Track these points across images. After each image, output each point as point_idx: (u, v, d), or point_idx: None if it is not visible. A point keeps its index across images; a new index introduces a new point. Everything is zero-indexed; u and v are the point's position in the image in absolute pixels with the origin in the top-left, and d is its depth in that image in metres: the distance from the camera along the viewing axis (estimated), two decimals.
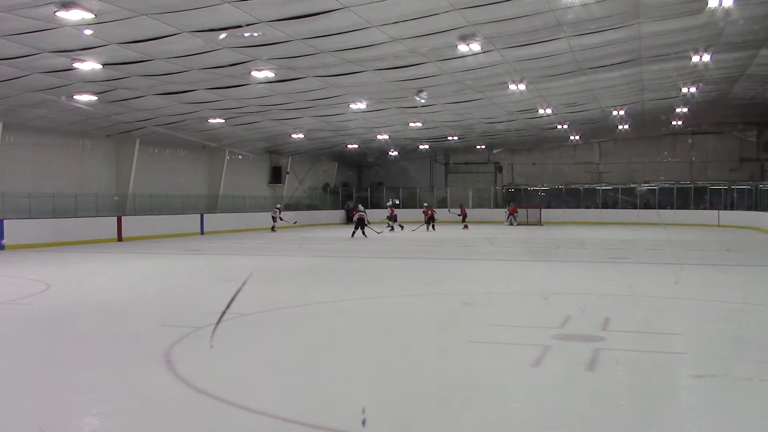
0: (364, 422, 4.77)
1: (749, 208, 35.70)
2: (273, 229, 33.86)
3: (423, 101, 25.49)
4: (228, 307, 6.66)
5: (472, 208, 45.41)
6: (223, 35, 15.81)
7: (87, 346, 7.68)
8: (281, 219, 34.03)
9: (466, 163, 48.58)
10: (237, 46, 16.98)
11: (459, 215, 36.62)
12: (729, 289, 12.48)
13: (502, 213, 42.03)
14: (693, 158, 43.06)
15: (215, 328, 7.17)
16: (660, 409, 5.22)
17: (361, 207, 30.94)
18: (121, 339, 8.07)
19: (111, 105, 23.37)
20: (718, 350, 7.19)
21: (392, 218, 35.48)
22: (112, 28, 14.84)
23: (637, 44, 19.47)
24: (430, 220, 36.31)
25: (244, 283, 7.70)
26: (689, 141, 42.75)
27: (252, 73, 19.73)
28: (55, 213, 25.06)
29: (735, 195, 38.86)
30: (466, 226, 35.36)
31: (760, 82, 26.97)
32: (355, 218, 29.51)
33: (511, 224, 37.78)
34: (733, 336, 7.86)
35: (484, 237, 28.65)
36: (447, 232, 32.94)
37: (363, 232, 28.50)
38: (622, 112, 32.11)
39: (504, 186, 47.41)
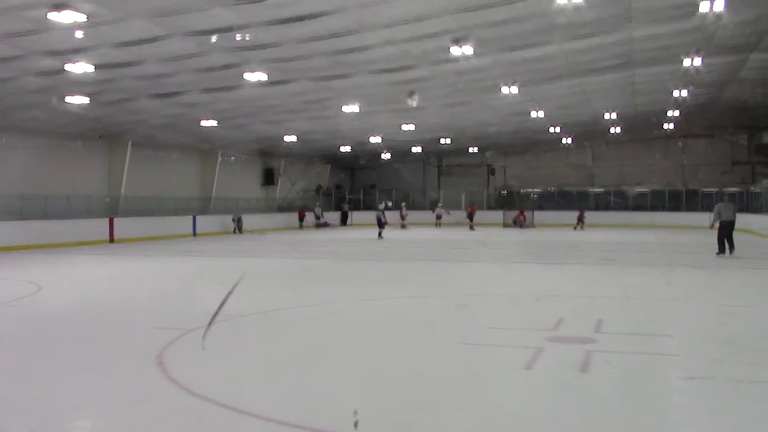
0: (356, 424, 4.76)
1: (740, 211, 35.72)
2: (238, 230, 33.32)
3: (415, 104, 25.53)
4: (219, 309, 6.64)
5: (465, 210, 45.47)
6: (215, 38, 15.80)
7: (79, 349, 7.64)
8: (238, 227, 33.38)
9: (459, 166, 48.62)
10: (230, 48, 16.97)
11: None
12: (721, 291, 12.53)
13: (492, 215, 42.03)
14: (684, 161, 43.22)
15: (206, 330, 7.15)
16: (652, 411, 5.25)
17: (380, 206, 31.16)
18: (113, 341, 8.04)
19: (103, 107, 23.33)
20: (710, 352, 7.22)
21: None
22: (104, 29, 14.83)
23: (629, 48, 19.57)
24: (470, 217, 37.44)
25: (235, 285, 7.67)
26: (681, 144, 42.94)
27: (245, 75, 19.72)
28: (47, 215, 24.95)
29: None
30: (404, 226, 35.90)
31: (750, 85, 27.13)
32: (376, 218, 29.65)
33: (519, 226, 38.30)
34: (725, 338, 7.89)
35: (477, 239, 28.68)
36: (439, 233, 32.97)
37: (380, 234, 28.58)
38: (614, 115, 32.24)
39: (497, 188, 47.48)
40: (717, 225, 18.63)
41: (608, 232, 33.40)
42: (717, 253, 18.55)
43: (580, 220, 36.97)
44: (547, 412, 5.25)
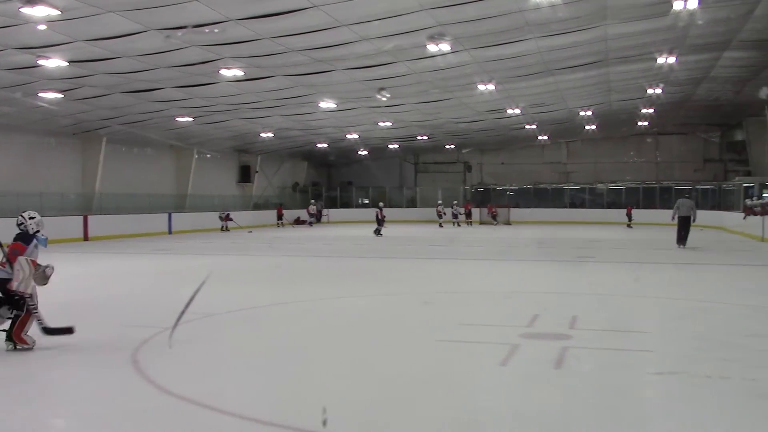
0: (324, 422, 4.76)
1: (713, 208, 36.35)
2: (226, 228, 33.46)
3: (385, 99, 25.45)
4: (186, 308, 6.62)
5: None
6: (182, 32, 15.62)
7: (52, 348, 7.56)
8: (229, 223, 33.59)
9: (436, 163, 48.79)
10: (205, 44, 16.84)
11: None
12: (693, 287, 12.73)
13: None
14: (658, 158, 43.76)
15: (173, 329, 7.06)
16: (624, 406, 5.32)
17: (380, 204, 31.22)
18: (87, 340, 7.96)
19: (76, 103, 23.04)
20: (681, 348, 7.32)
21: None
22: (78, 24, 14.64)
23: (603, 46, 19.72)
24: (495, 217, 38.79)
25: (202, 284, 7.62)
26: (654, 141, 43.44)
27: (220, 72, 19.59)
28: (20, 212, 24.54)
29: (699, 195, 39.51)
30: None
31: (722, 83, 27.47)
32: (375, 215, 29.70)
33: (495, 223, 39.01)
34: (696, 334, 8.01)
35: (452, 236, 28.77)
36: (421, 231, 33.04)
37: (378, 231, 28.62)
38: (589, 113, 32.48)
39: (473, 185, 47.67)
40: (675, 220, 20.30)
41: (583, 229, 33.64)
42: (677, 245, 20.18)
43: (629, 216, 36.99)
44: (522, 407, 5.30)
